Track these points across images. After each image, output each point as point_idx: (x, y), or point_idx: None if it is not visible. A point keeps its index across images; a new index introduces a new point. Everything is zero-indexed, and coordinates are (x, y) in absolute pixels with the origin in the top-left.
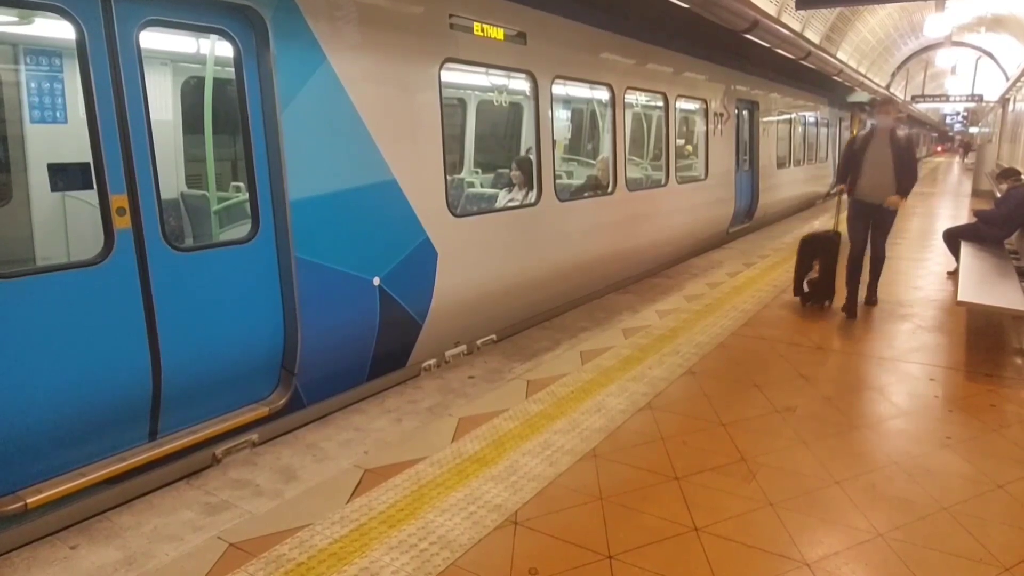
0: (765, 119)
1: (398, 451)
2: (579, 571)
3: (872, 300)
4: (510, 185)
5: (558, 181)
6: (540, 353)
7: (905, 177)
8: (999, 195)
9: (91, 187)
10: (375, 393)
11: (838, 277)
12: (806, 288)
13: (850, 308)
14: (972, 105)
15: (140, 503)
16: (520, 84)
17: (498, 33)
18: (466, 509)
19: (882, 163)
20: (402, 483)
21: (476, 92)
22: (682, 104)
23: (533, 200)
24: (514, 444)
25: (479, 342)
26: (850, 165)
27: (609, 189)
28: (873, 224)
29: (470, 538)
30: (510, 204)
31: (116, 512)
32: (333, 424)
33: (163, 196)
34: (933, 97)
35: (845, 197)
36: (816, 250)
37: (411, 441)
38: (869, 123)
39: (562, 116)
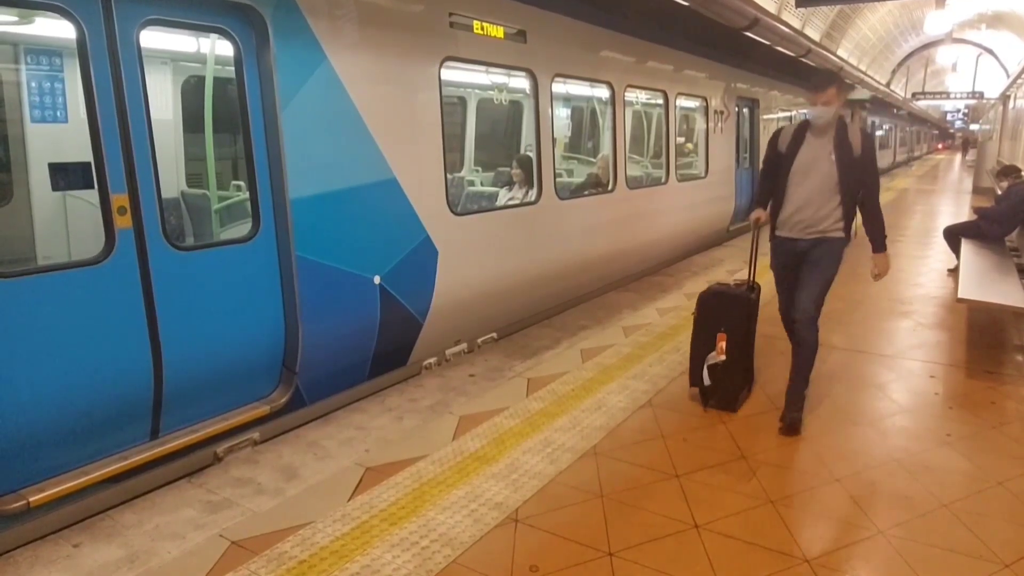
0: (765, 116)
1: (399, 449)
2: (580, 568)
3: (794, 417)
4: (510, 183)
5: (558, 179)
6: (541, 351)
7: (866, 210)
8: (1000, 192)
9: (92, 186)
10: (376, 391)
11: (757, 356)
12: (706, 378)
13: (791, 418)
14: (973, 102)
15: (142, 501)
16: (520, 82)
17: (498, 31)
18: (467, 507)
19: (820, 179)
20: (403, 481)
21: (476, 90)
22: (682, 102)
23: (533, 198)
24: (515, 442)
25: (480, 340)
26: (771, 180)
27: (609, 187)
28: (800, 274)
29: (471, 536)
30: (510, 203)
31: (118, 510)
32: (334, 422)
33: (164, 195)
34: (934, 94)
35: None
36: (721, 316)
37: (412, 439)
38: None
39: (562, 114)
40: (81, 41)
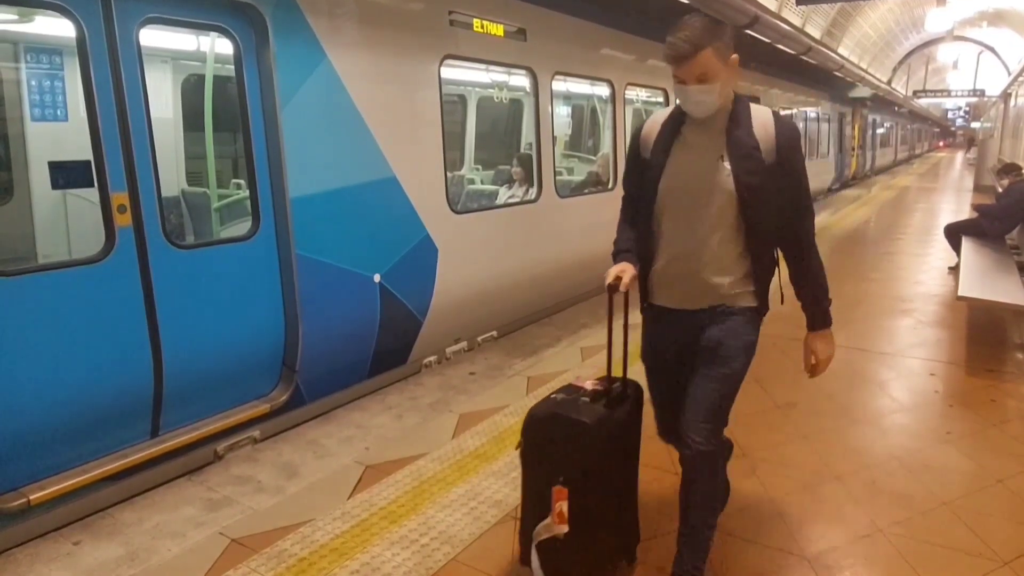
0: None
1: (399, 447)
2: None
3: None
4: (510, 182)
5: (559, 178)
6: (540, 349)
7: (795, 257)
8: (1000, 190)
9: (92, 185)
10: (376, 390)
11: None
12: (536, 569)
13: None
14: (974, 100)
15: (142, 499)
16: (520, 80)
17: (498, 29)
18: (467, 505)
19: (708, 206)
20: (403, 479)
21: (477, 88)
22: None
23: (533, 197)
24: (515, 440)
25: (480, 338)
26: (633, 214)
27: (610, 185)
28: (694, 367)
29: (471, 533)
30: (510, 201)
31: (118, 508)
32: (334, 421)
33: (164, 194)
34: (935, 92)
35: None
36: (559, 455)
37: (412, 437)
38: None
39: (562, 112)
40: (81, 39)
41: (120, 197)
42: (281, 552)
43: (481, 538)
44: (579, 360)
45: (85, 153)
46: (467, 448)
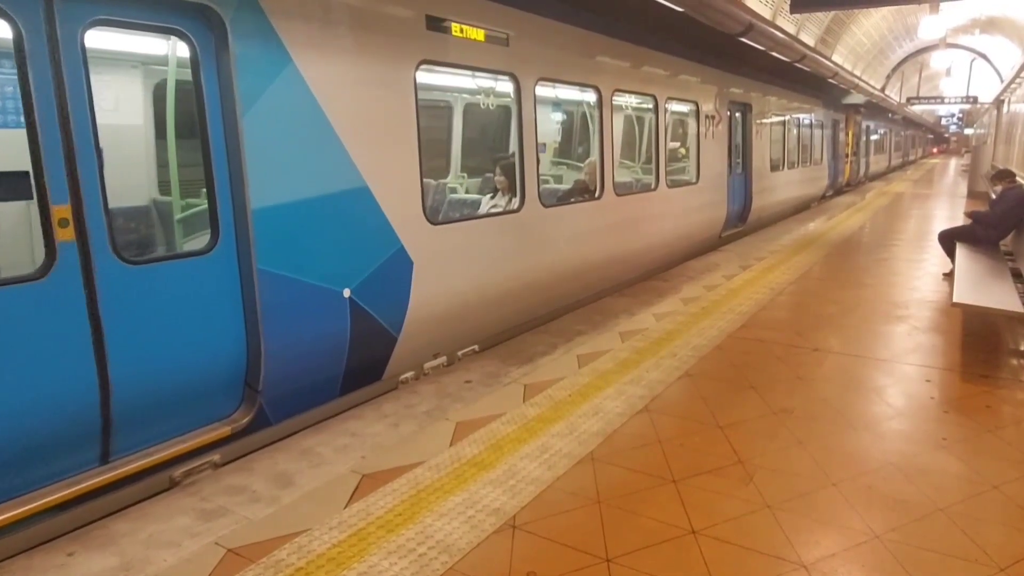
0: (759, 121)
1: (396, 456)
2: (577, 574)
3: None
4: (493, 191)
5: (544, 186)
6: (537, 357)
7: None
8: (994, 196)
9: (31, 197)
10: (344, 410)
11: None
12: None
13: None
14: (967, 107)
15: (135, 510)
16: (506, 86)
17: (478, 34)
18: (464, 513)
19: None
20: (400, 488)
21: (463, 95)
22: (673, 106)
23: (516, 206)
24: (512, 448)
25: (460, 353)
26: None
27: (596, 194)
28: None
29: (468, 542)
30: (491, 211)
31: (112, 519)
32: (329, 429)
33: (134, 203)
34: (928, 99)
35: None
36: None
37: (408, 445)
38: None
39: (547, 119)
40: (19, 42)
41: (62, 210)
42: (278, 562)
43: (479, 547)
44: (576, 367)
45: (23, 163)
46: (464, 456)
